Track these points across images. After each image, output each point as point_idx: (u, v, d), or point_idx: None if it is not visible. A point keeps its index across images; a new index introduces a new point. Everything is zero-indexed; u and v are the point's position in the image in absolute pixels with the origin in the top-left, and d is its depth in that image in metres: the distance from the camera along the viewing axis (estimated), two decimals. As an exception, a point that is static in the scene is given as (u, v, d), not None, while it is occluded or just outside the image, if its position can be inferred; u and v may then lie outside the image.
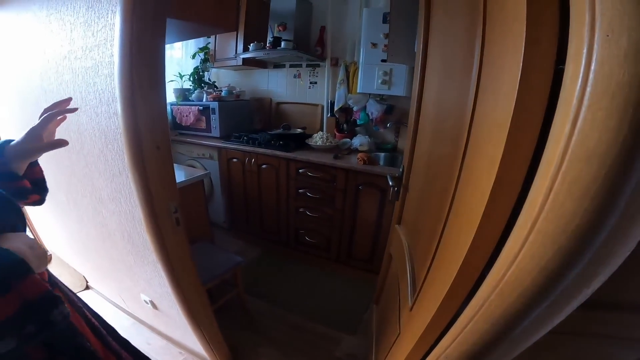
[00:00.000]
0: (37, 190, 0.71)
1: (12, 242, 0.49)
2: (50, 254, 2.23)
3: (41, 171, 0.75)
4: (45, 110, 0.69)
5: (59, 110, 0.69)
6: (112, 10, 0.96)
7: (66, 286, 0.77)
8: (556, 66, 0.44)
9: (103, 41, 1.00)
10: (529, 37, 0.45)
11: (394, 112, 2.31)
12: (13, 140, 0.65)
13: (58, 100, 0.72)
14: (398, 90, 2.10)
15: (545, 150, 0.41)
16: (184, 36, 1.77)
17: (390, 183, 1.29)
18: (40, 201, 0.73)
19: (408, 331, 0.92)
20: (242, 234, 2.82)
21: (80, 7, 1.06)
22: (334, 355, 1.68)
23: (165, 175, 1.00)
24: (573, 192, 0.35)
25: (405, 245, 1.16)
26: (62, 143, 0.67)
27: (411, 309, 0.92)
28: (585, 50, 0.35)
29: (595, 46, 0.34)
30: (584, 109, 0.34)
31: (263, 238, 2.68)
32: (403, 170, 1.30)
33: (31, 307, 0.44)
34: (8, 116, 1.66)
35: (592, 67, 0.34)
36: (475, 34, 0.62)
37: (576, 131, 0.35)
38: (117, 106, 0.94)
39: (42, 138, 0.66)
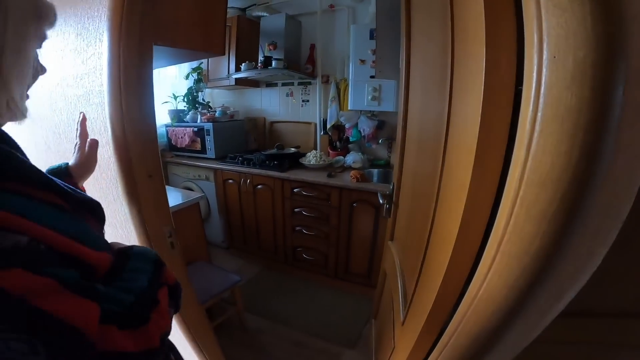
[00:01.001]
0: None
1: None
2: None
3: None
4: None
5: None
6: (99, 39, 0.96)
7: None
8: (517, 87, 0.45)
9: (92, 69, 1.01)
10: (489, 59, 0.45)
11: (385, 127, 2.33)
12: (67, 163, 0.77)
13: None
14: (388, 106, 2.13)
15: (509, 174, 0.41)
16: (174, 61, 1.80)
17: (381, 201, 1.30)
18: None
19: (401, 345, 0.92)
20: (240, 252, 2.81)
21: (69, 34, 1.07)
22: (334, 370, 1.65)
23: (159, 201, 1.01)
24: (531, 215, 0.36)
25: (396, 261, 1.16)
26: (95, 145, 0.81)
27: (403, 323, 0.93)
28: (534, 74, 0.35)
29: (544, 69, 0.34)
30: (536, 134, 0.35)
31: (261, 256, 2.66)
32: (393, 187, 1.30)
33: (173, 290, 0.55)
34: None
35: (542, 91, 0.34)
36: (447, 54, 0.64)
37: (530, 156, 0.36)
38: (109, 135, 0.96)
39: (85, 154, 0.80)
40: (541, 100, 0.34)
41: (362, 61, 2.16)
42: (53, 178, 0.48)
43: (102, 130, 1.04)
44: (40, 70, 0.53)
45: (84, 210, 0.54)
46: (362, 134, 2.34)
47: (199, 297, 1.30)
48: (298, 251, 2.40)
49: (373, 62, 2.07)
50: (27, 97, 0.49)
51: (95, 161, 0.84)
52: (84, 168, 0.82)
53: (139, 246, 0.59)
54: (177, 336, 1.36)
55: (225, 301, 1.94)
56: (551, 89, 0.33)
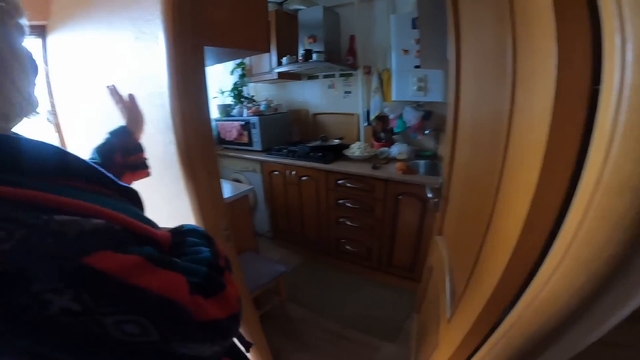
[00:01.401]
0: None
1: None
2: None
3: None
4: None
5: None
6: (155, 42, 1.03)
7: None
8: (593, 85, 0.43)
9: (153, 72, 1.09)
10: (561, 55, 0.43)
11: (432, 118, 2.26)
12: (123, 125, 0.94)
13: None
14: (435, 96, 2.06)
15: (581, 177, 0.40)
16: (221, 59, 1.87)
17: (430, 195, 1.28)
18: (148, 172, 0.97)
19: (446, 343, 0.92)
20: (284, 242, 2.91)
21: (128, 37, 1.16)
22: (372, 362, 1.68)
23: (216, 197, 1.09)
24: (606, 222, 0.35)
25: (445, 257, 1.14)
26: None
27: (449, 320, 0.92)
28: (617, 75, 0.33)
29: (627, 71, 0.32)
30: (617, 138, 0.33)
31: (305, 247, 2.74)
32: (443, 181, 1.27)
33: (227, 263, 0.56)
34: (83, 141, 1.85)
35: (625, 93, 0.33)
36: (506, 47, 0.61)
37: (609, 161, 0.34)
38: (172, 135, 1.04)
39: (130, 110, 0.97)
40: (624, 103, 0.33)
41: (405, 51, 2.10)
42: (99, 169, 0.50)
43: (165, 131, 1.12)
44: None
45: (126, 198, 0.56)
46: (408, 125, 2.29)
47: (248, 287, 1.39)
48: (341, 242, 2.44)
49: (417, 51, 2.00)
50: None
51: (141, 113, 1.00)
52: (135, 122, 0.98)
53: (187, 224, 0.61)
54: None
55: (270, 290, 2.03)
56: (636, 91, 0.32)
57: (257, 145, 2.83)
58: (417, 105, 2.29)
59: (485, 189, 0.72)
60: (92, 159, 0.84)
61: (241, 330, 1.39)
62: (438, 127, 2.25)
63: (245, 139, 2.90)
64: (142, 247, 0.39)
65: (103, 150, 0.85)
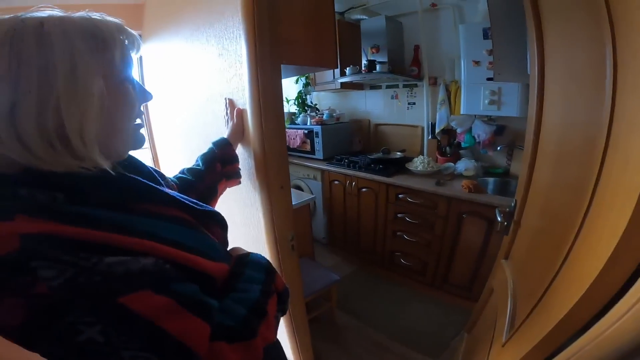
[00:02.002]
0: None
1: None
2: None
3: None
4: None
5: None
6: (238, 61, 1.12)
7: None
8: None
9: (235, 89, 1.17)
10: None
11: (505, 133, 2.12)
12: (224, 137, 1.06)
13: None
14: (509, 110, 1.93)
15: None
16: (291, 74, 1.98)
17: (499, 218, 1.21)
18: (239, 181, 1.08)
19: None
20: (339, 250, 2.95)
21: (212, 54, 1.26)
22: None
23: (286, 209, 1.16)
24: None
25: (509, 281, 1.08)
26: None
27: (504, 344, 0.89)
28: None
29: None
30: None
31: (358, 256, 2.74)
32: (515, 204, 1.20)
33: (281, 296, 0.61)
34: (179, 146, 1.98)
35: None
36: (604, 76, 0.57)
37: None
38: (250, 149, 1.13)
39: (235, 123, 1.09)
40: None
41: (476, 62, 2.00)
42: (177, 196, 0.55)
43: (245, 145, 1.22)
44: (143, 97, 0.54)
45: (208, 220, 0.60)
46: (477, 140, 2.18)
47: (303, 292, 1.45)
48: (396, 255, 2.40)
49: (490, 63, 1.90)
50: (139, 126, 0.53)
51: (243, 128, 1.12)
52: (236, 135, 1.09)
53: (254, 254, 0.63)
54: (282, 322, 1.51)
55: (321, 296, 2.06)
56: None
57: (319, 154, 2.91)
58: (489, 119, 2.17)
59: (567, 221, 0.68)
60: (196, 164, 0.97)
61: (288, 332, 1.45)
62: (512, 143, 2.11)
63: (307, 147, 3.01)
64: (185, 283, 0.42)
65: (207, 159, 0.98)
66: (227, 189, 1.07)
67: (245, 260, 0.60)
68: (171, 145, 1.98)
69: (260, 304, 0.51)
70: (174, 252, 0.43)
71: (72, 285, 0.33)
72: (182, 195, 0.57)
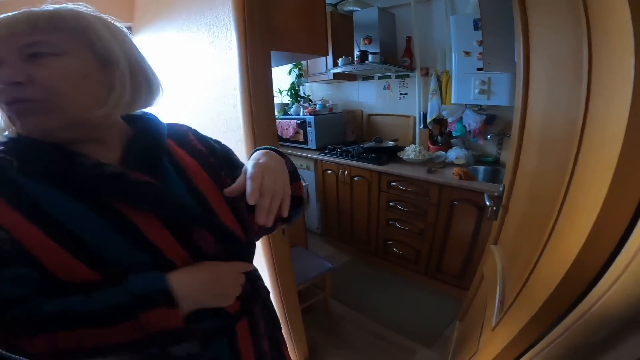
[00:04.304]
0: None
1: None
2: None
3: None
4: None
5: None
6: (229, 47, 1.13)
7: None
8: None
9: (226, 75, 1.19)
10: (639, 71, 0.42)
11: (495, 122, 2.16)
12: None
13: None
14: (499, 99, 1.97)
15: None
16: (282, 62, 1.98)
17: (488, 202, 1.24)
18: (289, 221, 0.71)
19: (486, 349, 0.92)
20: (333, 240, 2.98)
21: (204, 42, 1.27)
22: (406, 366, 1.69)
23: (277, 192, 1.17)
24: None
25: (499, 266, 1.11)
26: None
27: (493, 328, 0.91)
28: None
29: None
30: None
31: (352, 246, 2.78)
32: (504, 189, 1.23)
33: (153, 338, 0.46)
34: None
35: None
36: (581, 55, 0.59)
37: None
38: (242, 134, 1.14)
39: None
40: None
41: (467, 53, 2.03)
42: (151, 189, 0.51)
43: (235, 128, 1.24)
44: None
45: (190, 222, 0.52)
46: (468, 129, 2.21)
47: (296, 280, 1.48)
48: (389, 244, 2.44)
49: (480, 53, 1.93)
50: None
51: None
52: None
53: (161, 279, 0.48)
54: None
55: (315, 285, 2.10)
56: None
57: (312, 144, 2.92)
58: (479, 108, 2.20)
59: (550, 200, 0.70)
60: None
61: (282, 320, 1.47)
62: (502, 132, 2.15)
63: (300, 137, 3.01)
64: (11, 268, 0.41)
65: None
66: None
67: (136, 279, 0.46)
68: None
69: (74, 316, 0.42)
70: (34, 236, 0.42)
71: None
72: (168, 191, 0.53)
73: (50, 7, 0.46)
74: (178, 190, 0.56)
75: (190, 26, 1.37)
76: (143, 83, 0.54)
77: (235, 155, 0.73)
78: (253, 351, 0.64)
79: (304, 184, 0.69)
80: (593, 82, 0.55)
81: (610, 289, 0.44)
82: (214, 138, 0.74)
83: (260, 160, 0.58)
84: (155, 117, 0.64)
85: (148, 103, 0.59)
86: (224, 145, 0.73)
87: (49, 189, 0.45)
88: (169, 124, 0.66)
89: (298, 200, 0.66)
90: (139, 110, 0.61)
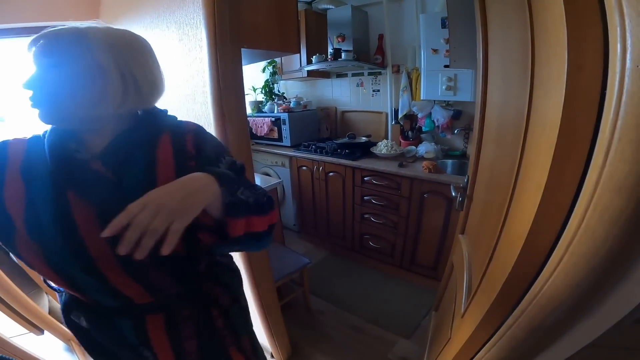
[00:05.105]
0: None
1: None
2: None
3: None
4: None
5: None
6: (198, 45, 1.12)
7: None
8: (602, 91, 0.45)
9: (196, 72, 1.17)
10: (572, 62, 0.46)
11: (461, 117, 2.24)
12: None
13: None
14: (465, 95, 2.04)
15: (586, 178, 0.43)
16: (254, 60, 1.97)
17: (454, 193, 1.30)
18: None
19: (457, 336, 0.95)
20: (310, 236, 2.99)
21: (173, 39, 1.25)
22: (386, 357, 1.73)
23: (249, 190, 1.16)
24: (604, 219, 0.38)
25: (465, 255, 1.16)
26: None
27: (462, 315, 0.95)
28: (617, 81, 0.36)
29: (626, 77, 0.35)
30: (615, 141, 0.37)
31: (330, 241, 2.81)
32: (467, 180, 1.29)
33: None
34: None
35: (623, 99, 0.36)
36: (527, 51, 0.63)
37: (608, 162, 0.37)
38: (212, 130, 1.13)
39: None
40: (622, 108, 0.36)
41: (435, 50, 2.09)
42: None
43: (205, 125, 1.21)
44: None
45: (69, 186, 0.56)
46: (436, 124, 2.29)
47: (273, 276, 1.47)
48: (365, 239, 2.48)
49: (447, 51, 1.99)
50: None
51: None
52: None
53: None
54: (250, 308, 1.53)
55: (294, 282, 2.11)
56: (632, 97, 0.35)
57: (286, 141, 2.92)
58: (447, 104, 2.27)
59: (504, 188, 0.75)
60: None
61: (261, 317, 1.47)
62: (467, 126, 2.23)
63: (275, 135, 3.00)
64: None
65: None
66: None
67: None
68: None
69: None
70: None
71: None
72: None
73: None
74: (131, 184, 0.58)
75: (160, 24, 1.33)
76: (132, 88, 0.60)
77: (236, 169, 0.70)
78: (170, 346, 0.69)
79: (263, 217, 0.64)
80: (535, 75, 0.59)
81: (555, 270, 0.48)
82: (225, 147, 0.77)
83: (154, 192, 0.49)
84: (159, 113, 0.72)
85: (143, 103, 0.65)
86: (227, 157, 0.72)
87: (47, 170, 0.56)
88: (180, 122, 0.74)
89: (253, 236, 0.62)
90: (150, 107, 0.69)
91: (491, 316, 0.71)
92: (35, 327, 1.43)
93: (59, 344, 1.63)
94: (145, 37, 1.49)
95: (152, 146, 0.64)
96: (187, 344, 0.71)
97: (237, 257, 1.32)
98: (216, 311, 0.76)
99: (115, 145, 0.61)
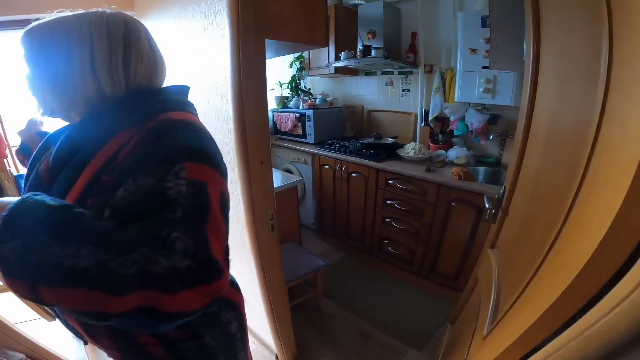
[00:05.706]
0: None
1: None
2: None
3: None
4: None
5: None
6: (222, 35, 1.09)
7: None
8: None
9: (218, 63, 1.15)
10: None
11: (498, 122, 2.10)
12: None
13: None
14: (504, 99, 1.91)
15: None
16: (280, 52, 1.92)
17: (487, 205, 1.19)
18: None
19: (476, 359, 0.87)
20: (327, 236, 2.93)
21: (198, 30, 1.23)
22: (394, 368, 1.65)
23: (266, 186, 1.12)
24: None
25: (494, 271, 1.07)
26: None
27: (485, 337, 0.87)
28: None
29: None
30: None
31: (347, 243, 2.74)
32: (504, 191, 1.18)
33: None
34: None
35: None
36: (598, 53, 0.54)
37: None
38: (231, 124, 1.09)
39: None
40: None
41: (473, 50, 1.97)
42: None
43: (225, 119, 1.18)
44: None
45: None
46: (470, 128, 2.15)
47: (285, 277, 1.42)
48: (384, 243, 2.39)
49: (486, 51, 1.87)
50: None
51: None
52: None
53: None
54: (259, 308, 1.49)
55: (307, 283, 2.06)
56: None
57: (310, 138, 2.87)
58: (483, 107, 2.14)
59: (556, 206, 0.65)
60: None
61: (269, 317, 1.42)
62: (505, 132, 2.09)
63: (299, 131, 2.96)
64: None
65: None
66: None
67: None
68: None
69: None
70: None
71: None
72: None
73: None
74: (56, 194, 0.51)
75: (186, 14, 1.32)
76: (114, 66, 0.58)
77: (156, 197, 0.48)
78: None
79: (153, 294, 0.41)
80: (612, 78, 0.49)
81: (618, 306, 0.40)
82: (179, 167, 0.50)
83: None
84: (147, 101, 0.62)
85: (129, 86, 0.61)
86: (174, 180, 0.49)
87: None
88: (166, 118, 0.57)
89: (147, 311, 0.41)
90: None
91: (520, 345, 0.63)
92: (48, 313, 1.45)
93: (68, 332, 1.64)
94: (173, 27, 1.48)
95: (96, 148, 0.53)
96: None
97: (248, 255, 1.28)
98: (153, 339, 0.62)
99: (62, 142, 0.59)
